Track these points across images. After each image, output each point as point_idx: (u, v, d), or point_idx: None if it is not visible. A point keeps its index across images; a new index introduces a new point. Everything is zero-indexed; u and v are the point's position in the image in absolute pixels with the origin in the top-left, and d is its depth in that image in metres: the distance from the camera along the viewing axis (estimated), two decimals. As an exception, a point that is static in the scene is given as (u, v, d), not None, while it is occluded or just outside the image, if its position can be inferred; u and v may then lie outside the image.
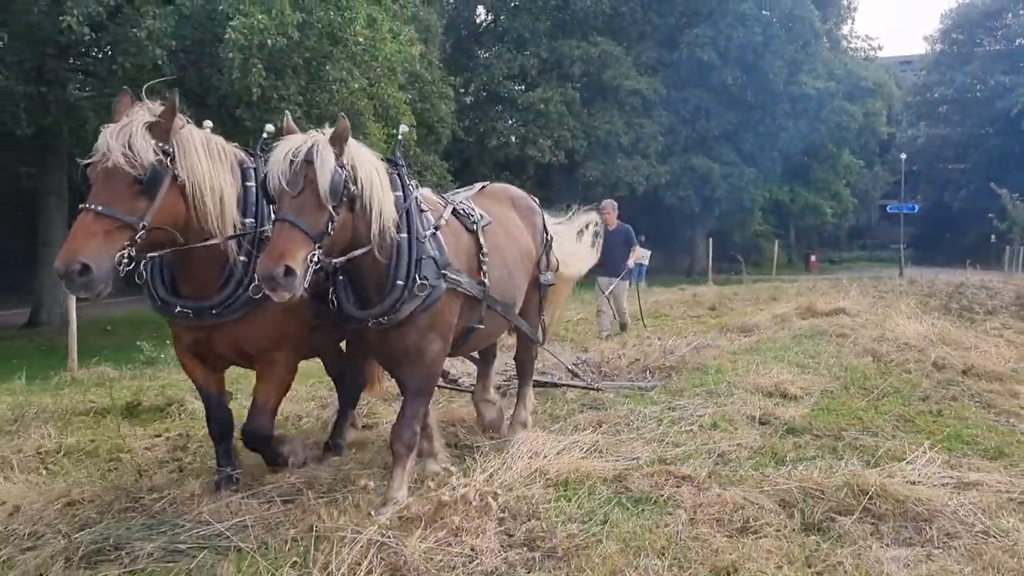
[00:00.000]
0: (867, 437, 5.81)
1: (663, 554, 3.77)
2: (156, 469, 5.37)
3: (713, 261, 28.76)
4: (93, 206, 3.65)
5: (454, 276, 4.49)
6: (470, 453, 5.55)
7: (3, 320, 18.09)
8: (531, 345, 6.16)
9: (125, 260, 3.70)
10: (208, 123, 4.43)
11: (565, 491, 4.65)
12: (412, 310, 4.29)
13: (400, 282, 4.24)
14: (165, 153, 3.82)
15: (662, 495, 4.59)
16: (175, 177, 3.88)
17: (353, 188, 3.87)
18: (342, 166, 3.81)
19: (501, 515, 4.19)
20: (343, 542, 3.71)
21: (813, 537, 3.97)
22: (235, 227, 4.23)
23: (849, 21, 49.10)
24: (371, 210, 4.02)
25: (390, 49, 14.85)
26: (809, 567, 3.63)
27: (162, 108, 3.89)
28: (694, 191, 35.82)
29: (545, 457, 5.10)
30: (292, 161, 3.74)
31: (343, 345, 5.58)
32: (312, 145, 3.78)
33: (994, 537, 3.90)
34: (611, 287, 12.20)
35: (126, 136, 3.71)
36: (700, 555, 3.75)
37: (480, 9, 38.80)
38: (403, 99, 17.09)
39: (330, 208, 3.74)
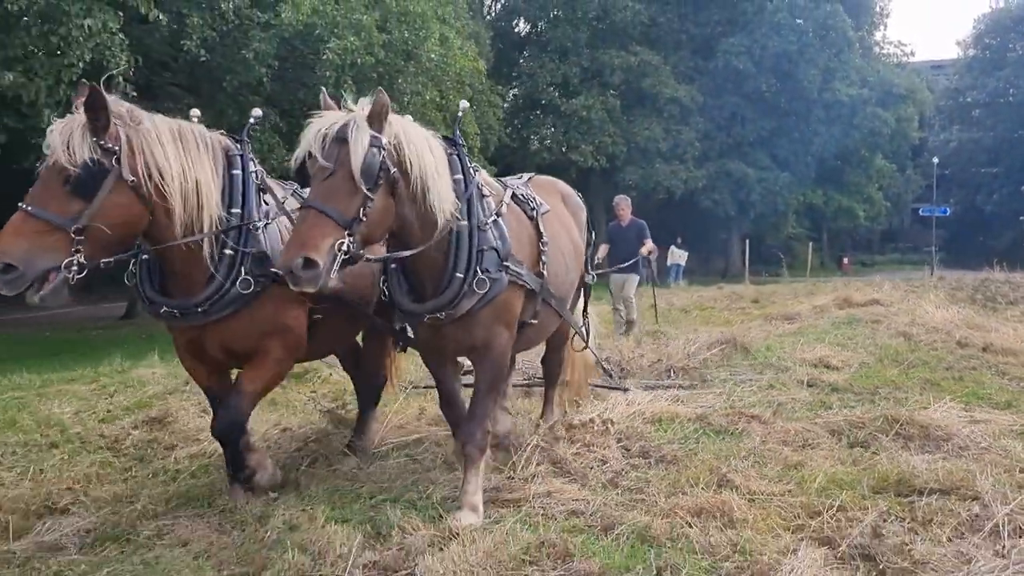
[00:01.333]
0: (899, 394, 7.08)
1: (746, 459, 5.11)
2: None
3: (748, 263, 29.90)
4: (25, 205, 3.47)
5: (516, 268, 4.13)
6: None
7: (105, 312, 19.78)
8: (562, 345, 5.78)
9: (75, 267, 3.46)
10: (195, 112, 4.28)
11: (660, 425, 5.99)
12: (472, 306, 3.96)
13: (460, 275, 3.90)
14: (107, 152, 3.55)
15: (737, 428, 5.90)
16: (121, 177, 3.60)
17: (394, 170, 3.57)
18: (380, 145, 3.47)
19: (618, 437, 5.56)
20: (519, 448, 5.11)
21: (857, 449, 5.29)
22: (216, 220, 3.97)
23: (882, 27, 49.91)
24: (422, 194, 3.72)
25: (460, 64, 16.35)
26: (854, 465, 4.95)
27: (115, 103, 3.69)
28: (729, 195, 37.01)
29: (639, 404, 6.46)
30: (324, 139, 3.45)
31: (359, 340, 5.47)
32: (347, 122, 3.46)
33: (995, 451, 5.19)
34: (622, 283, 11.88)
35: (67, 133, 3.51)
36: (774, 459, 5.09)
37: (518, 19, 40.31)
38: (471, 110, 18.60)
39: (364, 191, 3.43)
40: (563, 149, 34.19)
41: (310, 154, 3.46)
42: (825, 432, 5.71)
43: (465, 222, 3.94)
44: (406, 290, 4.08)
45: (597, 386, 7.08)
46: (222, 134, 4.19)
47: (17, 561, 3.78)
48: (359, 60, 13.81)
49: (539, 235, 4.50)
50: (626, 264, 11.18)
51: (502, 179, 5.04)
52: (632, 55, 34.39)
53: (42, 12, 10.99)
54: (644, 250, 11.66)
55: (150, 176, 3.68)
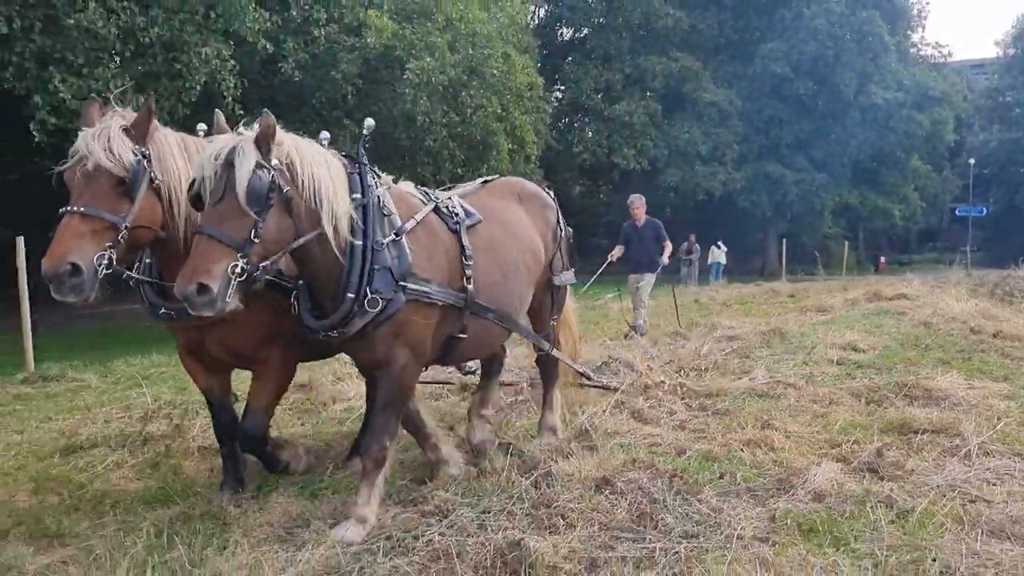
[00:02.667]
0: (913, 369, 8.44)
1: (783, 412, 6.54)
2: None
3: (785, 261, 31.01)
4: (77, 208, 3.63)
5: (417, 286, 4.10)
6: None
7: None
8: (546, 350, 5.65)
9: (105, 262, 3.64)
10: (202, 126, 4.43)
11: (715, 392, 7.43)
12: (364, 325, 3.97)
13: (351, 295, 3.92)
14: (143, 155, 3.81)
15: (776, 392, 7.34)
16: (152, 179, 3.86)
17: (287, 188, 3.60)
18: (268, 166, 3.52)
19: (681, 396, 7.04)
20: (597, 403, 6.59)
21: (872, 405, 6.72)
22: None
23: (920, 28, 50.56)
24: (320, 211, 3.75)
25: (520, 79, 17.89)
26: (868, 415, 6.37)
27: (136, 114, 3.94)
28: (767, 196, 38.15)
29: (688, 374, 7.91)
30: (214, 164, 3.50)
31: None
32: (235, 146, 3.51)
33: (982, 407, 6.57)
34: (637, 282, 11.96)
35: (105, 139, 3.70)
36: (805, 412, 6.52)
37: (562, 25, 41.78)
38: (528, 121, 20.17)
39: (251, 214, 3.47)
40: (606, 152, 35.61)
41: (202, 179, 3.53)
42: (847, 394, 7.11)
43: (359, 241, 3.94)
44: (309, 307, 4.12)
45: (590, 385, 7.16)
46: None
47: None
48: (433, 78, 15.40)
49: (462, 249, 4.43)
50: (649, 272, 11.57)
51: (449, 186, 5.28)
52: (673, 61, 35.73)
53: (167, 42, 12.69)
54: (666, 258, 11.81)
55: (165, 181, 3.93)
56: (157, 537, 3.99)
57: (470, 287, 4.41)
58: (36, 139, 11.97)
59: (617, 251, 11.90)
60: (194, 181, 3.60)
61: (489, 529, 3.96)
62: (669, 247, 11.85)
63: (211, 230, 3.45)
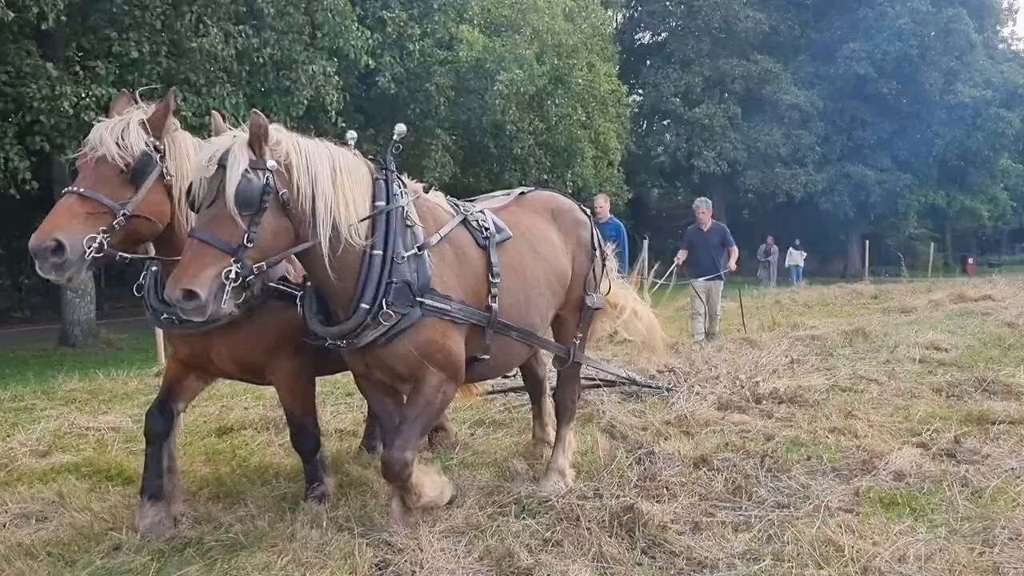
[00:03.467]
0: (994, 367, 8.73)
1: (866, 404, 6.97)
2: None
3: (868, 263, 30.74)
4: (77, 188, 3.64)
5: (437, 303, 3.88)
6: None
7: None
8: (575, 375, 5.28)
9: (95, 245, 3.57)
10: (352, 134, 4.32)
11: (799, 387, 7.89)
12: (375, 337, 3.80)
13: (365, 306, 3.75)
14: (156, 149, 3.80)
15: (859, 387, 7.76)
16: (163, 175, 3.84)
17: (284, 191, 3.48)
18: (262, 168, 3.40)
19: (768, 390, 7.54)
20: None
21: (952, 399, 7.11)
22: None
23: (1010, 23, 49.36)
24: (316, 215, 3.59)
25: (605, 88, 18.50)
26: (949, 408, 6.78)
27: (155, 108, 3.93)
28: (849, 197, 37.78)
29: (780, 377, 8.39)
30: (208, 166, 3.41)
31: None
32: (228, 148, 3.41)
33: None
34: (707, 289, 11.65)
35: (119, 129, 3.73)
36: (887, 404, 6.96)
37: (641, 30, 42.16)
38: (612, 128, 20.77)
39: (243, 217, 3.37)
40: (685, 155, 35.85)
41: (199, 182, 3.47)
42: (928, 390, 7.50)
43: (379, 252, 3.78)
44: (315, 310, 3.99)
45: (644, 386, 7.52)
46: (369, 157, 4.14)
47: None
48: (522, 89, 16.12)
49: (489, 266, 4.17)
50: (716, 278, 11.44)
51: (481, 196, 5.10)
52: (753, 63, 35.78)
53: (277, 61, 13.67)
54: (732, 263, 11.61)
55: (176, 179, 3.89)
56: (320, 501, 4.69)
57: (494, 306, 4.15)
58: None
59: (681, 255, 11.72)
60: (191, 184, 3.55)
61: (604, 496, 4.57)
62: (735, 252, 11.69)
63: (202, 234, 3.36)
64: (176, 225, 3.96)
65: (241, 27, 13.09)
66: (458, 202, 4.49)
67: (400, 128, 4.14)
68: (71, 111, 11.67)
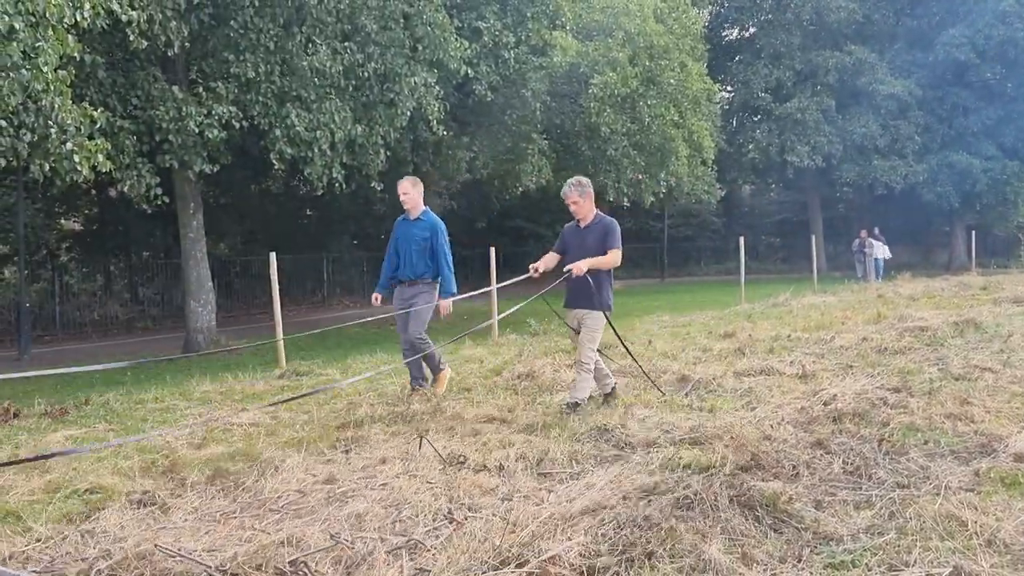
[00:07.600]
0: (1117, 355, 8.59)
1: (981, 391, 6.97)
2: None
3: (975, 254, 29.77)
4: None
5: None
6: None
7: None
8: None
9: None
10: None
11: (906, 378, 7.92)
12: None
13: None
14: None
15: (972, 375, 7.75)
16: None
17: None
18: None
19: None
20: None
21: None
22: None
23: None
24: None
25: (697, 88, 18.58)
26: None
27: None
28: (953, 187, 36.51)
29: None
30: None
31: None
32: None
33: None
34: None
35: None
36: (1003, 392, 6.95)
37: (729, 25, 41.69)
38: (705, 127, 20.82)
39: None
40: (777, 150, 35.31)
41: None
42: (1047, 378, 7.46)
43: None
44: None
45: None
46: None
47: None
48: (615, 91, 16.37)
49: None
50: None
51: None
52: (847, 54, 34.98)
53: (381, 75, 14.27)
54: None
55: None
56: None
57: None
58: (275, 166, 13.82)
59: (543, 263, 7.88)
60: None
61: (723, 475, 4.81)
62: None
63: None
64: None
65: (347, 44, 13.73)
66: None
67: None
68: (196, 130, 12.54)
